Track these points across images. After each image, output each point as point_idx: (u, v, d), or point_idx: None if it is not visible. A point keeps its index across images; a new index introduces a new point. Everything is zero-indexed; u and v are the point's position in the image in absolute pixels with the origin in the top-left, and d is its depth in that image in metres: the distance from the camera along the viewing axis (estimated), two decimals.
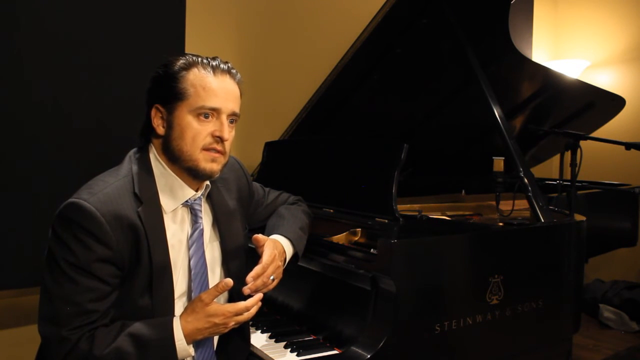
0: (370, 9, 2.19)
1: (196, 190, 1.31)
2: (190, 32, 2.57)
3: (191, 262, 1.29)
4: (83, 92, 2.18)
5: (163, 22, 2.40)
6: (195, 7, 2.73)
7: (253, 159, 2.50)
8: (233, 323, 1.23)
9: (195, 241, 1.31)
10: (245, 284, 1.36)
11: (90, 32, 2.19)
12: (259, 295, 1.26)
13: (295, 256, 1.49)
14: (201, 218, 1.33)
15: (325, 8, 3.34)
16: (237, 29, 3.04)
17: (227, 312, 1.20)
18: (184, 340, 1.17)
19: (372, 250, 1.47)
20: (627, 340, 3.60)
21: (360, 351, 1.32)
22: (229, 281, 1.20)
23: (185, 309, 1.22)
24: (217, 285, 1.20)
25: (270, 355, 1.42)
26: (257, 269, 1.31)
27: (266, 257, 1.34)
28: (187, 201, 1.30)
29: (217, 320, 1.19)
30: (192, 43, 2.61)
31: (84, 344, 1.11)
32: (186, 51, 2.48)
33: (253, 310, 1.25)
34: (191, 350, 1.20)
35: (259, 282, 1.30)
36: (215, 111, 1.25)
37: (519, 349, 1.71)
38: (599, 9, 4.56)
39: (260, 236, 1.38)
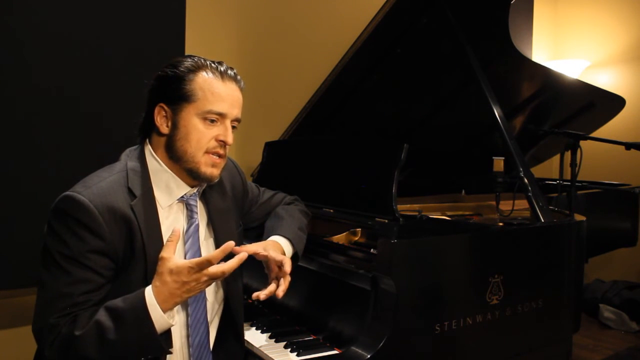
0: (370, 9, 2.19)
1: (192, 187, 1.33)
2: (190, 32, 2.57)
3: (187, 256, 1.30)
4: (83, 91, 2.18)
5: (163, 22, 2.40)
6: (195, 7, 2.73)
7: (253, 159, 2.50)
8: (205, 279, 1.14)
9: (191, 236, 1.32)
10: (240, 281, 1.42)
11: (90, 31, 2.19)
12: (229, 245, 1.16)
13: (295, 256, 1.49)
14: (197, 213, 1.34)
15: (326, 8, 3.34)
16: (237, 29, 3.04)
17: (189, 268, 1.12)
18: (158, 306, 1.12)
19: (372, 250, 1.47)
20: (627, 340, 3.60)
21: (360, 351, 1.32)
22: (176, 229, 1.16)
23: (154, 277, 1.17)
24: (168, 239, 1.16)
25: (270, 355, 1.42)
26: (286, 285, 1.35)
27: (287, 268, 1.36)
28: (182, 197, 1.32)
29: (184, 278, 1.12)
30: (192, 43, 2.61)
31: (66, 328, 1.11)
32: (186, 51, 2.49)
33: (227, 266, 1.15)
34: (171, 320, 1.15)
35: (279, 258, 1.35)
36: (221, 116, 1.28)
37: (519, 349, 1.71)
38: (599, 9, 4.56)
39: (248, 247, 1.35)
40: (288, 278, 1.36)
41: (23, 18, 2.04)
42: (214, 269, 1.14)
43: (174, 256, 1.14)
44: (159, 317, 1.12)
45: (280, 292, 1.32)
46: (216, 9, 2.95)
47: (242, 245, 1.37)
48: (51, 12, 2.09)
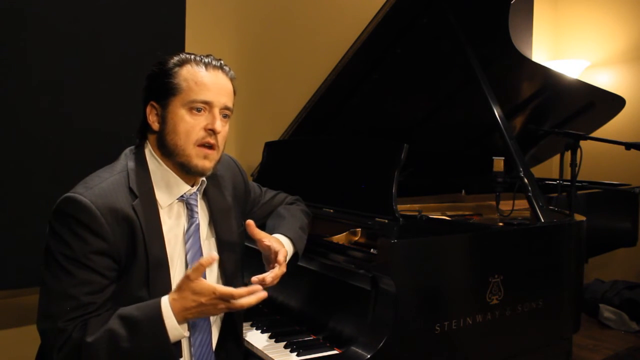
0: (370, 9, 2.19)
1: (192, 186, 1.33)
2: (190, 32, 2.57)
3: (187, 256, 1.30)
4: (83, 92, 2.18)
5: (163, 22, 2.40)
6: (195, 7, 2.73)
7: (253, 159, 2.50)
8: (223, 306, 1.16)
9: (191, 235, 1.32)
10: (241, 280, 1.41)
11: (90, 32, 2.19)
12: (256, 287, 1.19)
13: (295, 256, 1.49)
14: (197, 213, 1.34)
15: (325, 8, 3.34)
16: (237, 29, 3.04)
17: (212, 293, 1.13)
18: (174, 317, 1.14)
19: (372, 250, 1.47)
20: (627, 340, 3.60)
21: (360, 351, 1.32)
22: (214, 255, 1.15)
23: (174, 288, 1.18)
24: (201, 260, 1.14)
25: (270, 355, 1.42)
26: (278, 268, 1.32)
27: (283, 252, 1.36)
28: (182, 196, 1.31)
29: (203, 299, 1.14)
30: (192, 43, 2.61)
31: (77, 333, 1.11)
32: (186, 51, 2.49)
33: (246, 301, 1.17)
34: (184, 331, 1.17)
35: (279, 273, 1.32)
36: (208, 105, 1.27)
37: (519, 349, 1.71)
38: (599, 9, 4.56)
39: (258, 231, 1.37)
40: (282, 268, 1.34)
41: (24, 19, 2.04)
42: (235, 302, 1.16)
43: (201, 279, 1.15)
44: (173, 328, 1.14)
45: (269, 278, 1.28)
46: (216, 9, 2.95)
47: (255, 228, 1.36)
48: (52, 12, 2.09)
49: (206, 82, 1.27)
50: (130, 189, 1.23)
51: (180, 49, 2.46)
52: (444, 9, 2.12)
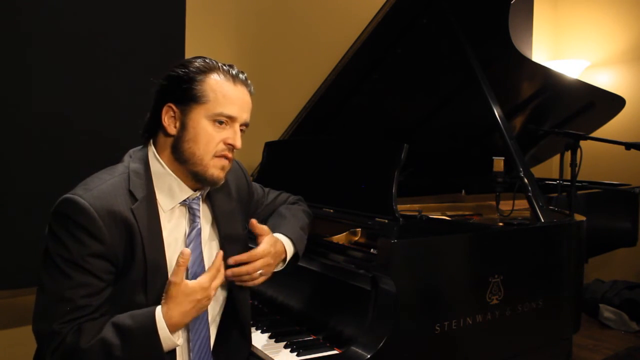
0: (370, 9, 2.19)
1: (195, 191, 1.32)
2: (190, 32, 2.57)
3: (189, 261, 1.30)
4: (83, 92, 2.18)
5: (163, 22, 2.40)
6: (195, 7, 2.73)
7: (253, 159, 2.50)
8: (213, 292, 1.23)
9: (192, 240, 1.31)
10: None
11: (90, 32, 2.19)
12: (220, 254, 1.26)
13: (295, 256, 1.49)
14: (199, 217, 1.33)
15: (326, 8, 3.34)
16: (236, 29, 3.04)
17: (204, 284, 1.19)
18: (167, 328, 1.14)
19: (372, 250, 1.47)
20: (627, 340, 3.60)
21: (360, 351, 1.32)
22: (187, 250, 1.17)
23: (163, 298, 1.18)
24: (178, 261, 1.17)
25: (270, 355, 1.42)
26: (241, 255, 1.33)
27: (259, 250, 1.36)
28: (185, 200, 1.31)
29: (198, 295, 1.18)
30: (192, 43, 2.61)
31: (71, 337, 1.11)
32: (186, 51, 2.49)
33: (230, 272, 1.29)
34: (177, 340, 1.17)
35: (243, 269, 1.32)
36: (231, 119, 1.27)
37: (519, 349, 1.71)
38: (599, 9, 4.56)
39: (259, 225, 1.39)
40: (251, 265, 1.34)
41: (26, 21, 2.04)
42: (219, 280, 1.23)
43: (185, 280, 1.17)
44: (167, 338, 1.15)
45: (229, 272, 1.31)
46: (216, 9, 2.95)
47: (257, 226, 1.39)
48: (52, 13, 2.10)
49: (233, 96, 1.27)
50: (131, 192, 1.22)
51: (180, 49, 2.46)
52: (444, 9, 2.12)
